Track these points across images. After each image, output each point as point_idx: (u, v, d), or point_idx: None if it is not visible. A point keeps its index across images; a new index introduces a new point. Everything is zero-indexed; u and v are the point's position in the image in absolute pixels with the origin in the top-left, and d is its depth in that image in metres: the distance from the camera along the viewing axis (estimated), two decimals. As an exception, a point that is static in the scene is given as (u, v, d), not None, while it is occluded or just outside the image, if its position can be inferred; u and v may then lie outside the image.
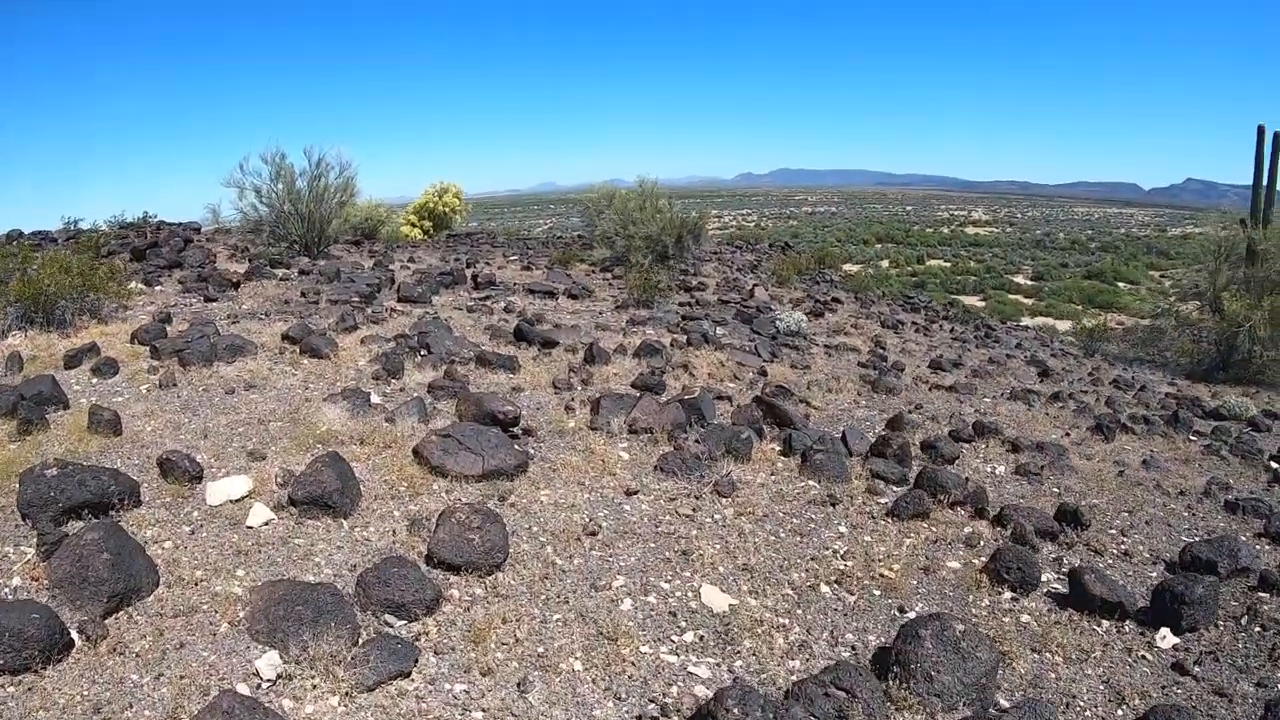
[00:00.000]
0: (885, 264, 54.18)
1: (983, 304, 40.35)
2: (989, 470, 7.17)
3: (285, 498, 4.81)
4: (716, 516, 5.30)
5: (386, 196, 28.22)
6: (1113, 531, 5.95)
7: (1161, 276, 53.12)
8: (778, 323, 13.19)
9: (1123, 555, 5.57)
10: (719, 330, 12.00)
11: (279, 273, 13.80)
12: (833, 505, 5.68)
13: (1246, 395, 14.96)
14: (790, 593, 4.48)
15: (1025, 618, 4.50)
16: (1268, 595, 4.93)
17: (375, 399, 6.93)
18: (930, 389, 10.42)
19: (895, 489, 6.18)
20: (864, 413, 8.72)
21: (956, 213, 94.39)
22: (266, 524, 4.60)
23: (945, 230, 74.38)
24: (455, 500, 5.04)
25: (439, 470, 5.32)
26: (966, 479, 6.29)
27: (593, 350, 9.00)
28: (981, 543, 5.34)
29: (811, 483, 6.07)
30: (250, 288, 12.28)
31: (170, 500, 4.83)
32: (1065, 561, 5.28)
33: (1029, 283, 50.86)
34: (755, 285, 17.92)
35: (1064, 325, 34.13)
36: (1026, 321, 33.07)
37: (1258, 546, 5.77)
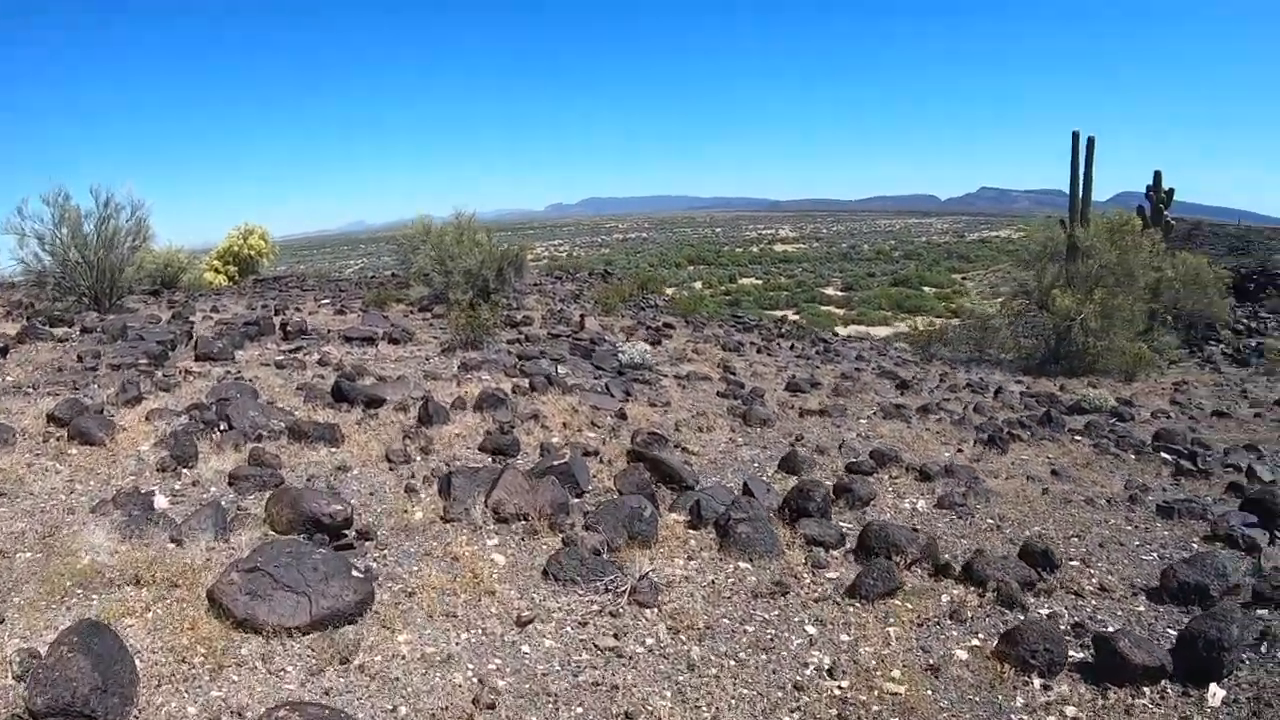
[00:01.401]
0: (699, 285, 54.66)
1: (797, 317, 41.11)
2: (909, 507, 6.28)
3: (23, 705, 3.00)
4: (649, 642, 3.89)
5: (190, 243, 25.94)
6: (1075, 564, 5.21)
7: (964, 279, 56.70)
8: (620, 355, 12.02)
9: (1100, 591, 4.79)
10: (560, 369, 10.75)
11: (58, 332, 11.35)
12: (783, 595, 4.42)
13: (1092, 385, 15.33)
14: (794, 753, 3.18)
15: (1070, 710, 3.47)
16: (1268, 612, 4.37)
17: (160, 502, 5.18)
18: (800, 415, 9.56)
19: (836, 554, 5.08)
20: (748, 452, 7.68)
21: (765, 231, 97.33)
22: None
23: (755, 249, 76.06)
24: (280, 683, 3.41)
25: (248, 624, 3.67)
26: (915, 530, 5.29)
27: (428, 407, 7.51)
28: (970, 614, 4.27)
29: (743, 564, 4.81)
30: (21, 353, 9.77)
31: None
32: (1057, 614, 4.38)
33: (840, 294, 52.57)
34: (584, 316, 16.88)
35: (880, 331, 35.11)
36: (841, 330, 33.72)
37: (1225, 554, 5.09)
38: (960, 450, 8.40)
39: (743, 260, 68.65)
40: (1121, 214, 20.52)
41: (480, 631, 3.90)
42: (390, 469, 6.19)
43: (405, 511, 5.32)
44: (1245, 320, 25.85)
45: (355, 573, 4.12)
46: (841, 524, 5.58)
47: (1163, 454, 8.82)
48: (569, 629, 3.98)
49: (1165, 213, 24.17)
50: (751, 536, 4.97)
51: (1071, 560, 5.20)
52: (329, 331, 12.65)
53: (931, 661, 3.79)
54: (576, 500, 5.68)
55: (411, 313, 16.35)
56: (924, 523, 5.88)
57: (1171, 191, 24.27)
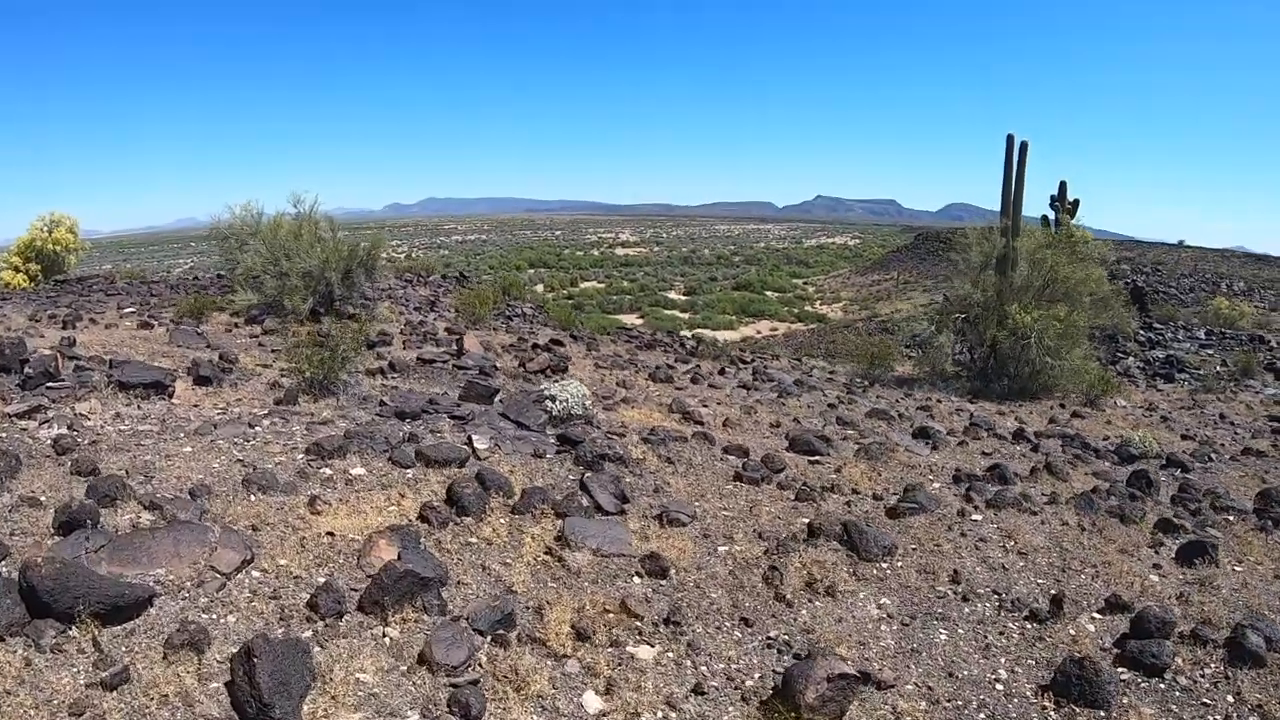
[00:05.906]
0: (540, 288, 51.80)
1: (641, 321, 39.08)
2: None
3: None
4: None
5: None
6: None
7: (805, 284, 56.26)
8: (549, 402, 7.88)
9: None
10: (478, 440, 6.59)
11: None
12: None
13: (1078, 416, 13.18)
14: None
15: None
16: None
17: None
18: (890, 513, 6.15)
19: None
20: (952, 654, 4.27)
21: (605, 235, 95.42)
22: None
23: (596, 252, 73.89)
24: None
25: None
26: None
27: (252, 668, 3.10)
28: None
29: None
30: None
31: None
32: None
33: (683, 297, 51.72)
34: (460, 335, 12.76)
35: (726, 335, 33.28)
36: (686, 333, 31.26)
37: None
38: (1157, 566, 5.50)
39: (584, 263, 66.62)
40: (1069, 227, 19.73)
41: None
42: None
43: None
44: (1143, 331, 24.91)
45: None
46: None
47: None
48: None
49: (1070, 224, 22.69)
50: None
51: None
52: (107, 362, 7.91)
53: None
54: None
55: (236, 325, 12.62)
56: None
57: (1077, 202, 22.72)
